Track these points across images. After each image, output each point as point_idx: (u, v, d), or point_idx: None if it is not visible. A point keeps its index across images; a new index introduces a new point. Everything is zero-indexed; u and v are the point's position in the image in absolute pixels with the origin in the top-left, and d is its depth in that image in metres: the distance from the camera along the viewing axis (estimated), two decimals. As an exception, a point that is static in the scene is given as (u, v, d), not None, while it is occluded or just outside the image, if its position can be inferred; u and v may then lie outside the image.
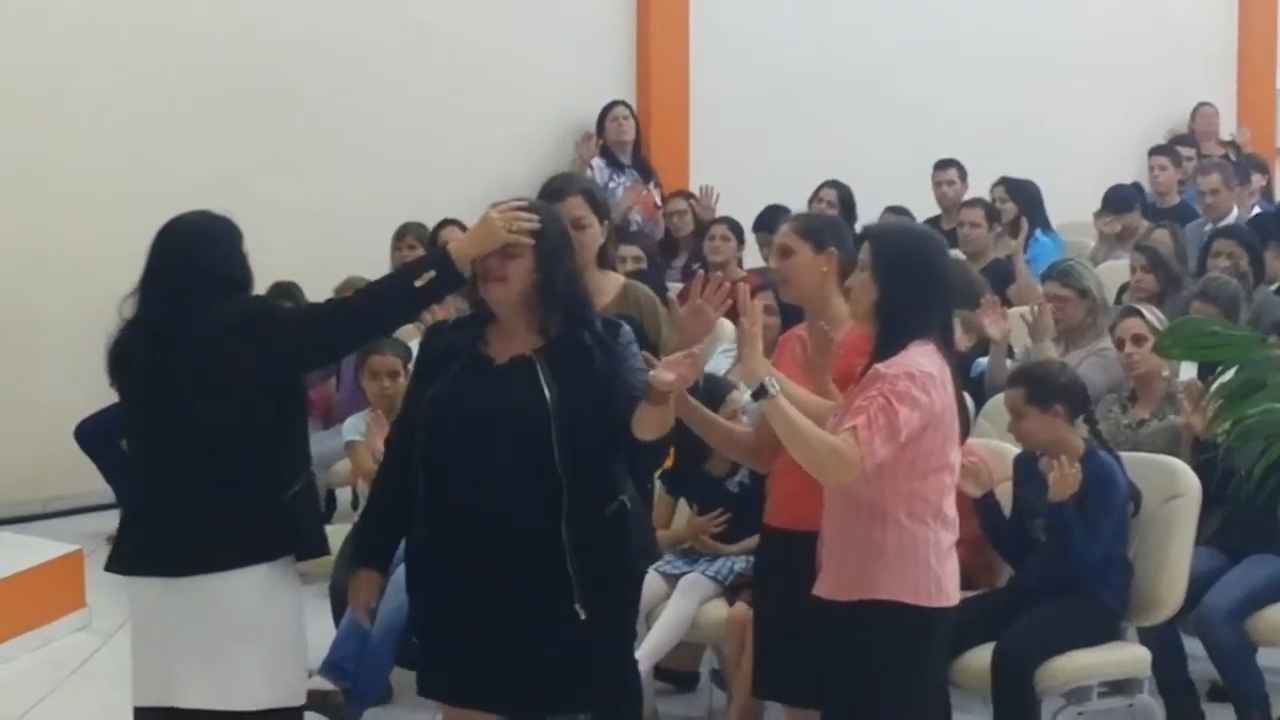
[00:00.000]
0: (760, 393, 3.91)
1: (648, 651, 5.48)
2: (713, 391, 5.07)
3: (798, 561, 4.25)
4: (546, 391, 4.07)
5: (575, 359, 4.12)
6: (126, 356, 4.30)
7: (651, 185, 10.48)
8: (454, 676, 4.23)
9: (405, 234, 8.74)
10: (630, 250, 8.06)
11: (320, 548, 4.39)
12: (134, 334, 4.28)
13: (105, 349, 4.34)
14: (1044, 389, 5.21)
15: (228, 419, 4.13)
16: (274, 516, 4.20)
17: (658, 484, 5.87)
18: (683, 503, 6.01)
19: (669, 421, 4.08)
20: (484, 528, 4.08)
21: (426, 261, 4.36)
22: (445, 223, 8.33)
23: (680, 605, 5.65)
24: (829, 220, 4.90)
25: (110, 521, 8.45)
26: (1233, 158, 12.18)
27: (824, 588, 4.14)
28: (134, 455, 4.44)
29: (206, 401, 4.13)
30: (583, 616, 4.07)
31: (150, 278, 4.29)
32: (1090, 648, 5.11)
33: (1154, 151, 11.05)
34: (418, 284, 4.19)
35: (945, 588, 4.07)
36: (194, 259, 4.25)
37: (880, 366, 4.00)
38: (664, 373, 3.97)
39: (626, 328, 4.30)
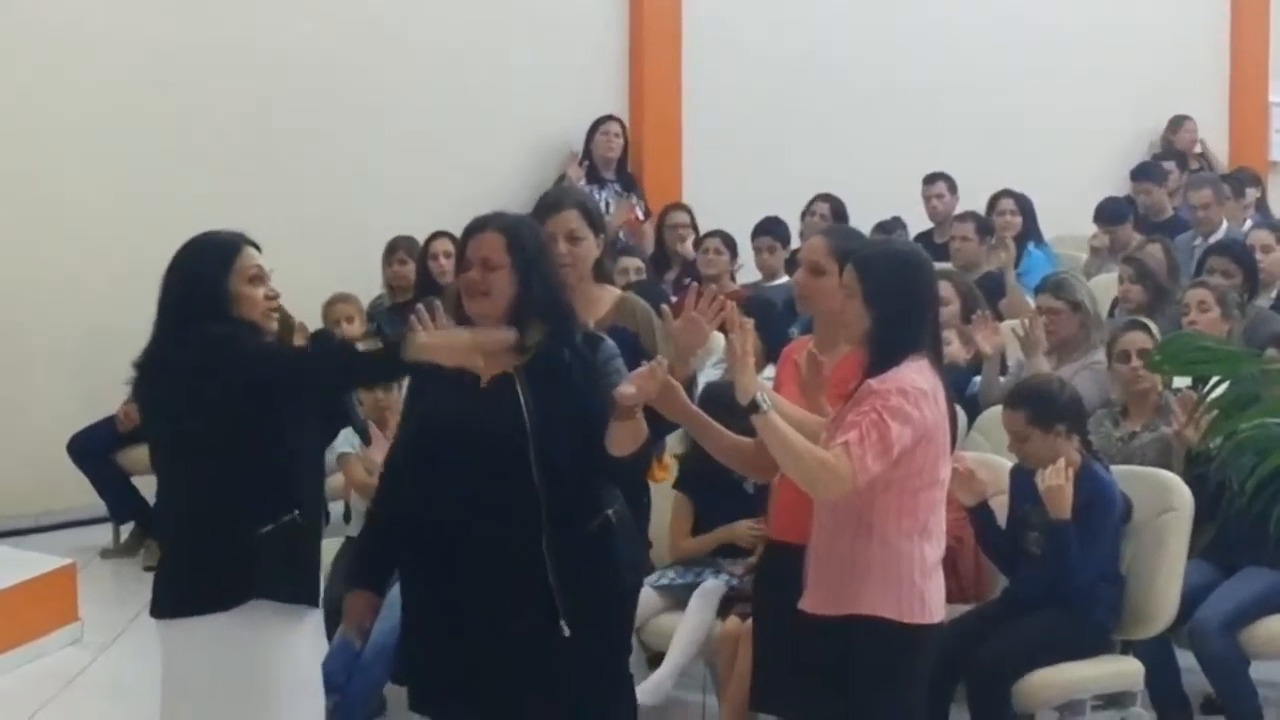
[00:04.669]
0: (752, 408, 3.91)
1: (673, 668, 5.52)
2: (731, 401, 5.06)
3: (796, 574, 4.24)
4: (525, 411, 4.07)
5: (554, 376, 4.11)
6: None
7: (634, 199, 10.46)
8: (443, 692, 4.22)
9: (396, 248, 8.70)
10: (631, 262, 8.04)
11: (298, 596, 4.14)
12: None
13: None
14: (1046, 411, 5.19)
15: (193, 451, 4.08)
16: (233, 560, 4.04)
17: (675, 492, 5.88)
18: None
19: (640, 436, 4.07)
20: (467, 546, 4.08)
21: (388, 344, 4.17)
22: (436, 235, 8.35)
23: (698, 610, 5.65)
24: (859, 239, 4.77)
25: (103, 535, 8.49)
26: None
27: (809, 602, 4.14)
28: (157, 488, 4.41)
29: (174, 433, 4.13)
30: (567, 634, 4.06)
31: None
32: (1083, 660, 5.12)
33: (1135, 176, 10.96)
34: (361, 348, 4.20)
35: (929, 604, 4.06)
36: (174, 285, 4.18)
37: (873, 382, 4.00)
38: (626, 386, 3.98)
39: (609, 342, 4.30)
